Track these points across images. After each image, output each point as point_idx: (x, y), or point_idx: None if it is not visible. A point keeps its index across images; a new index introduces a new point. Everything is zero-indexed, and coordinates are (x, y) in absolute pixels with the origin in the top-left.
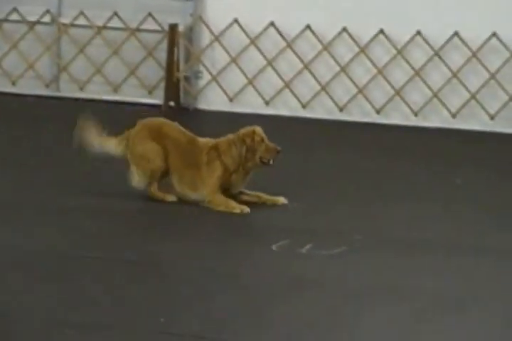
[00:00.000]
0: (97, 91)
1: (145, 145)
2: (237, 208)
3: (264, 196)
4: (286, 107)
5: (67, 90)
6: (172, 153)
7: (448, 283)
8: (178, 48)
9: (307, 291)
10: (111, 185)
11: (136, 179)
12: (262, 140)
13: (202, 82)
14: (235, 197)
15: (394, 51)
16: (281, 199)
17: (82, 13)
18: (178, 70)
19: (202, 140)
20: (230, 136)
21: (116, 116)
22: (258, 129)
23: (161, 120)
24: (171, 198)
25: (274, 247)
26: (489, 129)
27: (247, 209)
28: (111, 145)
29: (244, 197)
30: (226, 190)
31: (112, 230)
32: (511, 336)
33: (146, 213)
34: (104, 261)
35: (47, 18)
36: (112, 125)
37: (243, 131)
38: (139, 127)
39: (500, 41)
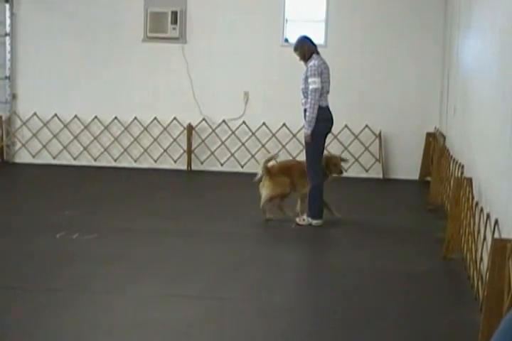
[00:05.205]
0: None
1: (278, 178)
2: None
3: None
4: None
5: None
6: (295, 177)
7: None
8: (2, 129)
9: (76, 259)
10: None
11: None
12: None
13: (17, 147)
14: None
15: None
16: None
17: None
18: (2, 140)
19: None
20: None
21: None
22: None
23: (290, 160)
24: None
25: (57, 236)
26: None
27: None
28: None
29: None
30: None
31: None
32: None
33: None
34: None
35: None
36: None
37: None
38: (276, 165)
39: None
